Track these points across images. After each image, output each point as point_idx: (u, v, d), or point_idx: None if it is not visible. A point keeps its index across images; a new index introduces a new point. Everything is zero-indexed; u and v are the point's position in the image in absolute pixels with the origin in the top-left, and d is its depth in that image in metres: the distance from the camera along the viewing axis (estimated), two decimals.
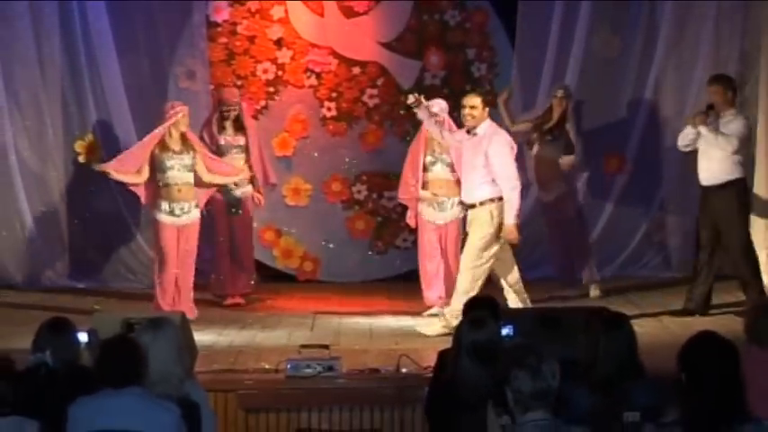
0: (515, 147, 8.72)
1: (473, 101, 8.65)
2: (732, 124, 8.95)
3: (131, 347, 4.84)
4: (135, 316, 6.39)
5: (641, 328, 7.79)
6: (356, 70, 11.10)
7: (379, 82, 11.11)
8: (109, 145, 10.59)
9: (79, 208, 10.70)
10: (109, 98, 10.69)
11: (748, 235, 9.14)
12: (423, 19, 11.12)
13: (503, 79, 11.00)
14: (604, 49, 10.91)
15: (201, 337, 7.76)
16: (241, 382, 7.02)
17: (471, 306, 6.01)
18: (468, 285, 8.41)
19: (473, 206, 8.59)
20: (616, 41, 10.95)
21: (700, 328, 4.82)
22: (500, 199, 8.48)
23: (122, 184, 9.34)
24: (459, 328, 5.42)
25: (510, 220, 8.44)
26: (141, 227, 10.62)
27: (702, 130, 8.90)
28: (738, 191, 9.00)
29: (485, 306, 5.91)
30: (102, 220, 10.67)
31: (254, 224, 10.32)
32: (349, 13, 11.09)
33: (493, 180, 8.47)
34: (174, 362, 5.02)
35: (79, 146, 10.70)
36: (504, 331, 5.69)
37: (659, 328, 8.49)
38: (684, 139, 9.07)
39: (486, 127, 8.61)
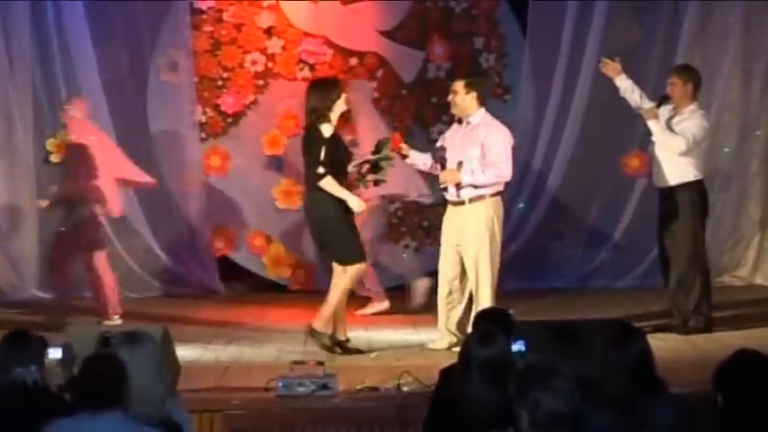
0: (512, 141, 8.53)
1: (454, 86, 8.49)
2: (685, 122, 8.68)
3: (114, 366, 4.79)
4: (111, 330, 6.39)
5: (663, 342, 7.82)
6: (353, 61, 11.13)
7: (379, 74, 11.14)
8: None
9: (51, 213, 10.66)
10: (85, 93, 10.68)
11: (698, 243, 8.79)
12: (425, 5, 11.15)
13: (513, 70, 11.00)
14: (624, 38, 10.92)
15: (184, 352, 7.77)
16: (228, 402, 7.01)
17: (481, 318, 6.00)
18: (491, 300, 8.29)
19: (461, 203, 8.40)
20: (636, 29, 10.97)
21: (727, 343, 4.78)
22: (494, 194, 8.37)
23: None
24: (466, 342, 5.41)
25: (463, 176, 8.24)
26: (119, 233, 10.62)
27: (651, 125, 8.70)
28: (691, 194, 8.71)
29: (495, 319, 5.90)
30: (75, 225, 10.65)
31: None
32: None
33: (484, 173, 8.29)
34: (154, 380, 5.00)
35: (51, 144, 10.69)
36: (515, 347, 5.65)
37: (683, 342, 8.47)
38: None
39: (481, 117, 8.43)
